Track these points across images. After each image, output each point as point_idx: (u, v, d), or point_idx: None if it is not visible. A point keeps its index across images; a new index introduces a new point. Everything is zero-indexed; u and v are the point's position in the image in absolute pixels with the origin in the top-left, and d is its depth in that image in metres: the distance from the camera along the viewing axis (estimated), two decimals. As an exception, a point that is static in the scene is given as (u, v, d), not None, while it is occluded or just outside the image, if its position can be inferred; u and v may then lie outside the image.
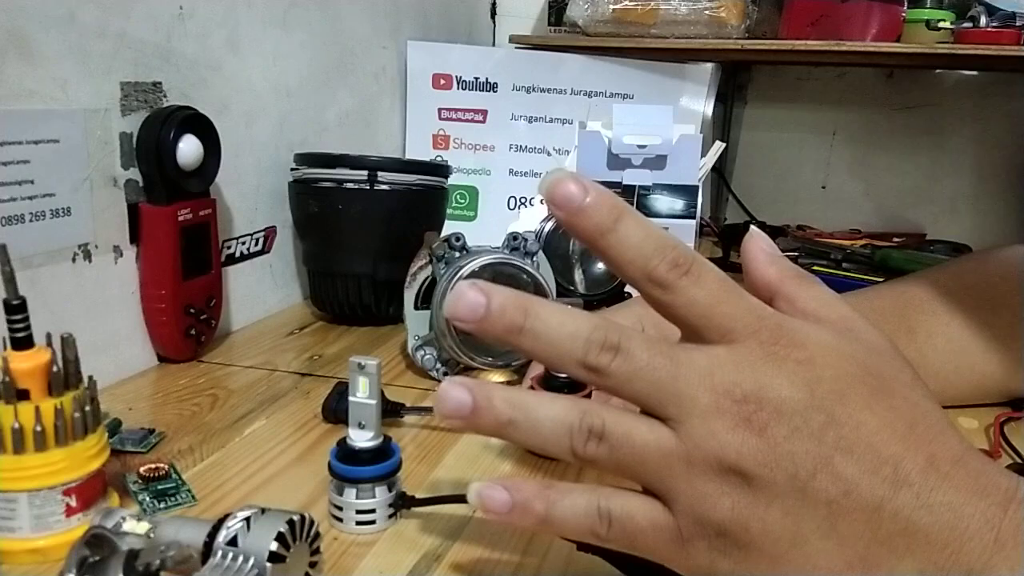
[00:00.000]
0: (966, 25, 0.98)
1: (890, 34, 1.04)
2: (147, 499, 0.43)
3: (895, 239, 1.19)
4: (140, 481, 0.45)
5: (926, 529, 0.28)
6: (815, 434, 0.28)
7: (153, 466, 0.45)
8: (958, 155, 1.28)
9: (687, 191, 0.86)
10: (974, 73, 1.24)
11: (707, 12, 1.02)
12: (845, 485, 0.28)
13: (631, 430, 0.30)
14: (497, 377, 0.63)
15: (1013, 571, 0.27)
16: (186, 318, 0.63)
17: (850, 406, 0.29)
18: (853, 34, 1.04)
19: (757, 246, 0.34)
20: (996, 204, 1.26)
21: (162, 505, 0.43)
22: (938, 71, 1.26)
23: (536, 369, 0.53)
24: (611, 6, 1.04)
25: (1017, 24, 0.96)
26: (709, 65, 1.04)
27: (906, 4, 1.03)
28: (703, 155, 0.88)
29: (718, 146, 0.93)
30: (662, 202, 0.86)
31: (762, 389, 0.29)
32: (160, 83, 0.62)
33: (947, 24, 0.99)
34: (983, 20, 0.97)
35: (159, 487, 0.44)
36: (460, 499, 0.42)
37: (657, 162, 0.85)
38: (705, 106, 1.04)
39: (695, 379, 0.29)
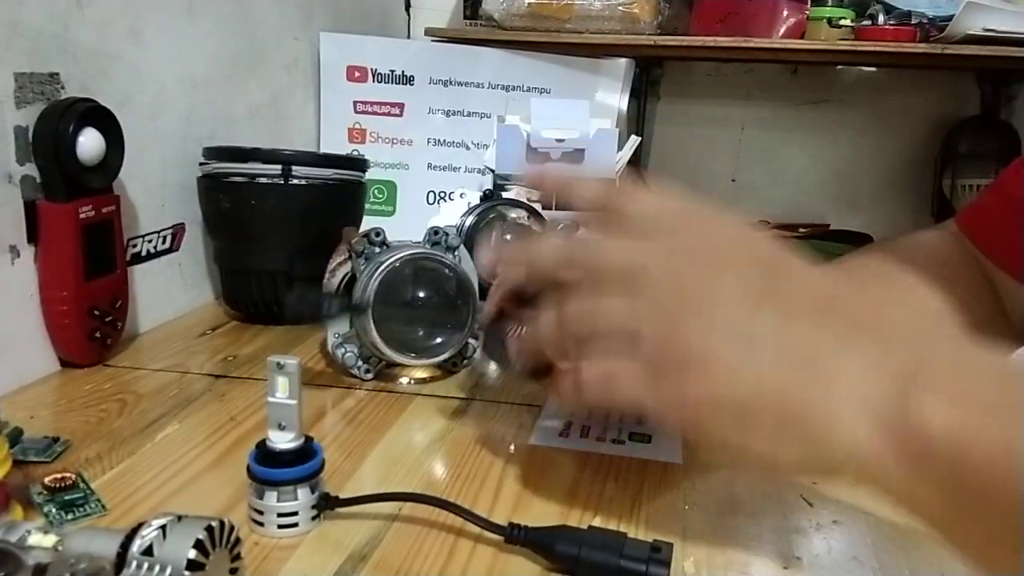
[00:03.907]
0: (865, 23, 1.02)
1: (795, 31, 1.07)
2: (53, 510, 0.41)
3: (801, 229, 1.24)
4: (45, 492, 0.42)
5: (858, 343, 0.32)
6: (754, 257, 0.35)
7: (59, 476, 0.43)
8: (858, 149, 1.33)
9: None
10: (873, 69, 1.30)
11: (621, 8, 1.04)
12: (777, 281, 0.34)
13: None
14: (420, 373, 0.62)
15: (936, 381, 0.30)
16: (90, 320, 0.60)
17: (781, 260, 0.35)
18: (760, 31, 1.07)
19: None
20: (894, 195, 1.33)
21: (70, 516, 0.41)
22: (839, 67, 1.31)
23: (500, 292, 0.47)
24: (527, 0, 1.05)
25: (913, 22, 1.00)
26: (623, 60, 1.06)
27: (809, 2, 1.07)
28: (619, 149, 0.89)
29: (634, 140, 0.94)
30: (580, 195, 0.87)
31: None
32: (57, 74, 0.59)
33: (848, 22, 1.03)
34: (881, 18, 1.01)
35: (66, 497, 0.42)
36: (385, 498, 0.42)
37: (575, 156, 0.86)
38: (620, 101, 1.05)
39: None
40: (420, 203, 1.03)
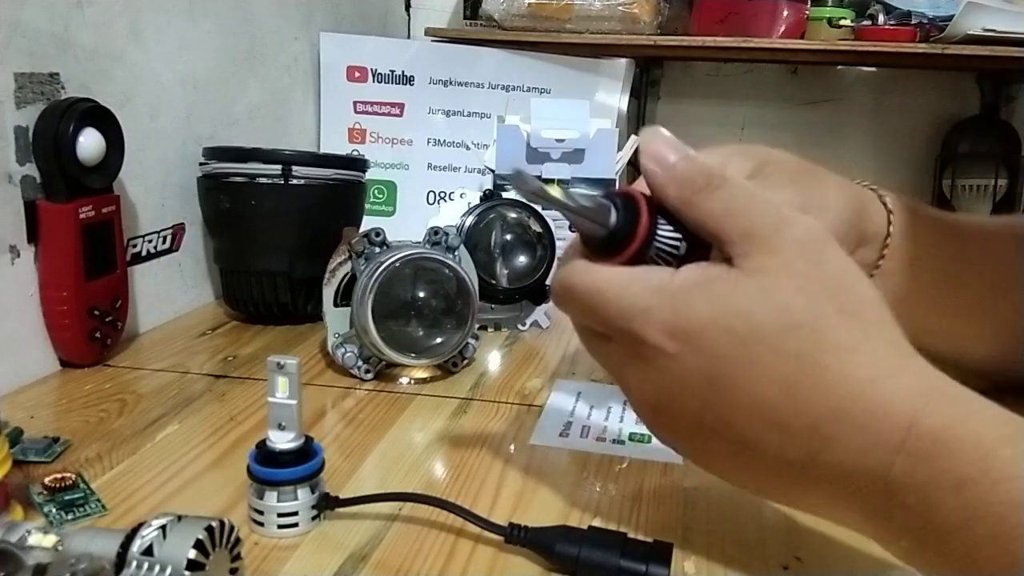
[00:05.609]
0: (865, 23, 1.02)
1: (795, 31, 1.07)
2: (53, 511, 0.41)
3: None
4: (45, 492, 0.42)
5: (818, 481, 0.31)
6: (693, 422, 0.33)
7: (59, 476, 0.43)
8: (858, 149, 1.33)
9: (605, 185, 0.87)
10: (872, 69, 1.30)
11: (620, 8, 1.04)
12: (735, 448, 0.33)
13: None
14: (420, 373, 0.62)
15: (907, 517, 0.30)
16: (90, 320, 0.60)
17: (722, 390, 0.32)
18: (760, 31, 1.07)
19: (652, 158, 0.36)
20: (894, 195, 1.33)
21: (70, 516, 0.41)
22: (839, 67, 1.31)
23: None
24: (527, 0, 1.05)
25: (913, 22, 1.00)
26: (623, 60, 1.06)
27: (809, 2, 1.07)
28: (619, 149, 0.89)
29: (634, 140, 0.94)
30: (580, 195, 0.87)
31: (630, 391, 0.35)
32: (57, 74, 0.59)
33: (848, 22, 1.03)
34: (881, 18, 1.01)
35: (66, 497, 0.42)
36: (385, 498, 0.42)
37: (575, 156, 0.86)
38: (620, 101, 1.05)
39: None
40: (420, 203, 1.03)
